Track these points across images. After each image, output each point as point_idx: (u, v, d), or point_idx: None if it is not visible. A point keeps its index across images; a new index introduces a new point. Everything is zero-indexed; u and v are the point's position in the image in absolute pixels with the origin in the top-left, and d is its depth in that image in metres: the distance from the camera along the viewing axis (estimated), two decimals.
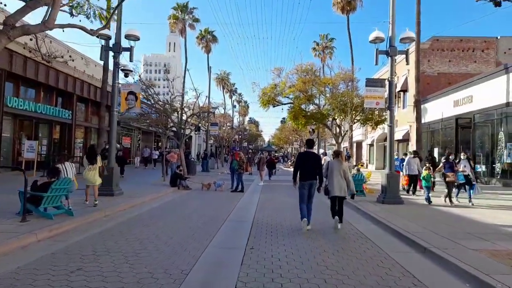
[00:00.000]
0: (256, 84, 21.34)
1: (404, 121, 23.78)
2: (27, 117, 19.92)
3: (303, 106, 20.88)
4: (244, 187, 14.73)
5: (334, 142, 38.81)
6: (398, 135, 27.01)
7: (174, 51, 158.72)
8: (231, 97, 67.23)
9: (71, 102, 24.16)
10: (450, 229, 7.39)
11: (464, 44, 25.21)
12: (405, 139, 24.07)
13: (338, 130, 21.28)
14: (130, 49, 11.12)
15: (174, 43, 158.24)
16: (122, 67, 12.75)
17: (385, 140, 18.43)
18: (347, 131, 21.47)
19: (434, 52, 24.90)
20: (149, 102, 21.04)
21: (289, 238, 6.84)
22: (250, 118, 54.38)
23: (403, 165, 13.94)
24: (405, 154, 15.56)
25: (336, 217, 7.79)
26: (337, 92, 19.60)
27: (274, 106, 21.55)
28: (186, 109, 20.65)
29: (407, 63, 12.85)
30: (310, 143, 8.31)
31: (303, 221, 7.45)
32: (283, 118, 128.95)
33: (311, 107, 21.49)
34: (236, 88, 79.71)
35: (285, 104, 21.86)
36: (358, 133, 35.08)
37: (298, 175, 7.70)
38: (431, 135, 23.37)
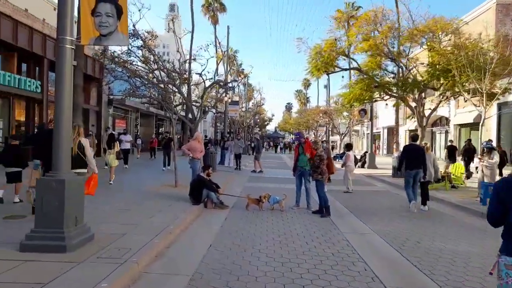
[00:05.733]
0: (302, 41, 14.82)
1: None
2: None
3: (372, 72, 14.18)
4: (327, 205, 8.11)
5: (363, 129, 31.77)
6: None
7: (174, 31, 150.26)
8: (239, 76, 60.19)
9: (41, 69, 17.36)
10: None
11: None
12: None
13: (420, 108, 14.62)
14: None
15: (174, 23, 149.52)
16: None
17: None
18: (434, 108, 14.71)
19: None
20: (146, 70, 14.34)
21: None
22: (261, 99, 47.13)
23: None
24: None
25: (413, 201, 8.60)
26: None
27: (329, 74, 14.97)
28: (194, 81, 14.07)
29: None
30: (415, 138, 9.39)
31: (412, 204, 8.59)
32: (288, 103, 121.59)
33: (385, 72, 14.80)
34: (243, 68, 72.13)
35: (347, 69, 15.18)
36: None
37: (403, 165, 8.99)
38: None
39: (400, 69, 14.43)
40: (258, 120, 53.47)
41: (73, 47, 4.82)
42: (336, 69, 15.09)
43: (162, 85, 14.58)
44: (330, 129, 34.95)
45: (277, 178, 15.62)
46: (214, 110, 19.51)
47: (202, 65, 24.45)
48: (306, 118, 44.16)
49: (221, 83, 13.72)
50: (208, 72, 16.92)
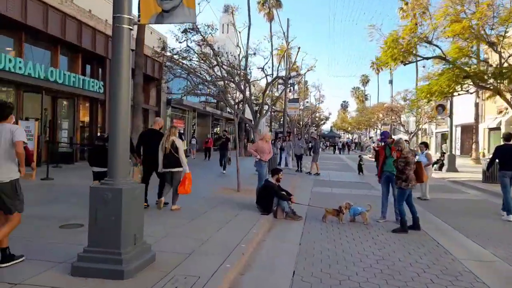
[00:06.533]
0: (375, 28, 13.27)
1: None
2: (35, 88, 13.49)
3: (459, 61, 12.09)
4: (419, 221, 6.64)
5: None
6: None
7: (228, 32, 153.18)
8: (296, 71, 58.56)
9: (104, 69, 17.56)
10: None
11: None
12: None
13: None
14: None
15: (228, 24, 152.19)
16: None
17: None
18: None
19: None
20: (205, 67, 13.65)
21: None
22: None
23: None
24: None
25: None
26: None
27: (406, 64, 13.13)
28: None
29: None
30: (508, 137, 8.17)
31: None
32: (344, 101, 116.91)
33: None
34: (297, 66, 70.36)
35: (428, 58, 13.20)
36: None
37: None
38: None
39: (498, 55, 12.17)
40: (317, 119, 51.55)
41: (131, 28, 3.99)
42: (412, 58, 13.16)
43: (221, 82, 13.89)
44: (396, 128, 32.19)
45: (344, 183, 14.17)
46: (273, 108, 18.52)
47: (264, 58, 23.29)
48: (368, 116, 41.41)
49: (284, 78, 12.58)
50: (269, 67, 16.05)
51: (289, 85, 16.85)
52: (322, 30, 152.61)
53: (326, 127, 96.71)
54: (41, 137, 12.44)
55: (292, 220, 7.05)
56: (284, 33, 11.41)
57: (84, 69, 16.81)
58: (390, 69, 13.40)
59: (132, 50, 4.02)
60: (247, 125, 36.21)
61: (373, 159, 14.60)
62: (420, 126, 30.94)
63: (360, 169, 17.31)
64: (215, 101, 32.30)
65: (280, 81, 14.76)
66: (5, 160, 3.69)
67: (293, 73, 17.20)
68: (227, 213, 7.04)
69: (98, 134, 15.63)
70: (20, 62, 12.30)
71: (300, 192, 10.65)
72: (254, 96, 15.41)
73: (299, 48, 12.11)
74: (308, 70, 13.48)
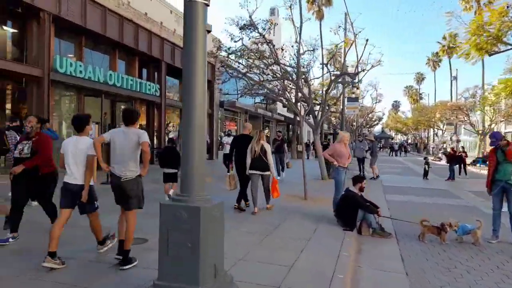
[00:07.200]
0: (453, 15, 11.67)
1: None
2: (95, 92, 13.51)
3: None
4: None
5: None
6: None
7: (274, 35, 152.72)
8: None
9: (159, 72, 17.45)
10: None
11: None
12: None
13: None
14: None
15: (274, 26, 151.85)
16: None
17: None
18: None
19: None
20: (262, 65, 12.80)
21: None
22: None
23: None
24: None
25: None
26: None
27: (491, 54, 11.36)
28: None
29: None
30: None
31: None
32: (395, 101, 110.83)
33: None
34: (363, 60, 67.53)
35: None
36: None
37: None
38: None
39: None
40: (374, 120, 48.91)
41: (207, 2, 3.16)
42: (500, 47, 11.25)
43: (278, 81, 13.02)
44: (462, 127, 29.22)
45: (418, 189, 12.64)
46: (333, 109, 17.25)
47: (330, 52, 21.93)
48: (428, 115, 38.28)
49: (351, 74, 11.36)
50: (319, 65, 14.83)
51: (356, 82, 15.30)
52: (372, 27, 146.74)
53: (377, 128, 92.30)
54: None
55: (380, 237, 5.91)
56: (351, 23, 10.24)
57: (141, 72, 16.78)
58: (472, 61, 11.57)
59: (208, 31, 3.16)
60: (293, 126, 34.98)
61: (438, 162, 12.97)
62: (493, 126, 27.77)
63: (425, 173, 15.78)
64: (266, 102, 31.58)
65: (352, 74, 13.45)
66: (130, 159, 4.04)
67: (351, 69, 15.83)
68: (303, 226, 6.07)
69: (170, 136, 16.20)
70: (80, 66, 12.32)
71: (373, 201, 9.42)
72: (313, 95, 14.30)
73: (367, 40, 10.88)
74: (372, 66, 12.11)
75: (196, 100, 3.08)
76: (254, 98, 20.99)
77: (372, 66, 12.61)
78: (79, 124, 4.22)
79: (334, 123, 34.87)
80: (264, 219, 6.48)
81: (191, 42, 3.08)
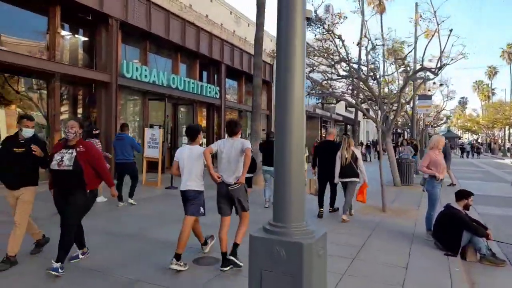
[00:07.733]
0: None
1: None
2: (159, 95, 13.62)
3: None
4: None
5: None
6: None
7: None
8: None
9: (219, 74, 17.30)
10: None
11: None
12: None
13: None
14: None
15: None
16: None
17: None
18: None
19: None
20: (328, 63, 11.93)
21: None
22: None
23: None
24: None
25: None
26: None
27: None
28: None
29: None
30: None
31: None
32: (462, 97, 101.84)
33: None
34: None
35: None
36: None
37: None
38: None
39: None
40: (441, 118, 45.08)
41: None
42: None
43: (347, 80, 12.10)
44: None
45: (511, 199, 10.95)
46: (408, 107, 15.86)
47: (409, 45, 20.24)
48: (509, 112, 34.30)
49: (432, 69, 10.10)
50: (407, 60, 13.55)
51: (434, 77, 13.71)
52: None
53: (442, 127, 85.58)
54: (165, 143, 12.36)
55: (492, 265, 4.86)
56: (434, 12, 9.05)
57: (201, 75, 16.74)
58: None
59: (308, 18, 2.51)
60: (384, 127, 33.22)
61: None
62: None
63: None
64: (323, 102, 30.40)
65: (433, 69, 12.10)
66: (236, 166, 4.26)
67: (427, 64, 14.21)
68: (394, 249, 5.20)
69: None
70: (145, 70, 12.44)
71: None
72: (385, 94, 13.12)
73: (450, 30, 9.55)
74: (452, 61, 10.66)
75: (294, 108, 2.45)
76: (317, 98, 20.07)
77: (452, 61, 11.19)
78: (193, 134, 4.45)
79: (400, 123, 32.63)
80: (344, 238, 5.71)
81: (288, 32, 2.45)
